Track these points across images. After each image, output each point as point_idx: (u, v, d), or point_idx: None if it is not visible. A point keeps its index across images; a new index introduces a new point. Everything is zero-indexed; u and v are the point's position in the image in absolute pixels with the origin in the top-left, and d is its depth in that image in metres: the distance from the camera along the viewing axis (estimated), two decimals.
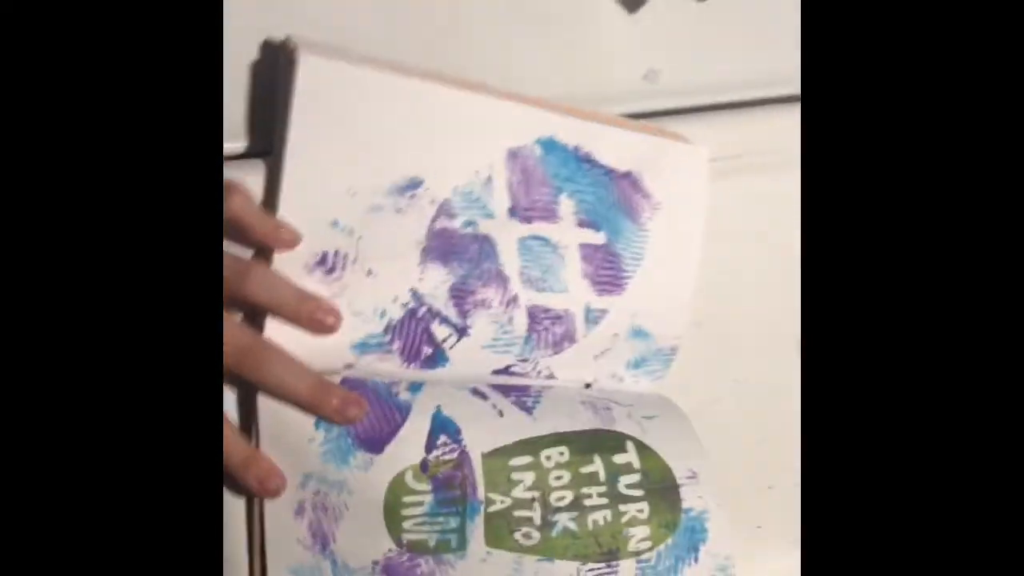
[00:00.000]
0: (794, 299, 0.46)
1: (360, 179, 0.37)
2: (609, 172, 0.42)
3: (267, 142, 0.37)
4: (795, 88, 0.48)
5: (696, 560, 0.40)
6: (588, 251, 0.41)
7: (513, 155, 0.40)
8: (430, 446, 0.37)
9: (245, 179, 0.36)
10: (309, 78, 0.36)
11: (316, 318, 0.36)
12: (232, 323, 0.35)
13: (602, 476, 0.39)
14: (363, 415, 0.36)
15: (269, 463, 0.35)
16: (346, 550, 0.36)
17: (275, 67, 0.38)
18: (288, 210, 0.36)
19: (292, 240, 0.36)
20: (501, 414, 0.39)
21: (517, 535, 0.37)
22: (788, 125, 0.46)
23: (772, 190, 0.46)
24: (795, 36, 0.43)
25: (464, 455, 0.37)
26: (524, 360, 0.41)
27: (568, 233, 0.41)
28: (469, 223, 0.39)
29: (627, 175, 0.42)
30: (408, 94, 0.37)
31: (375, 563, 0.36)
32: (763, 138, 0.47)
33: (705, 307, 0.46)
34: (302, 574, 0.35)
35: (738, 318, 0.47)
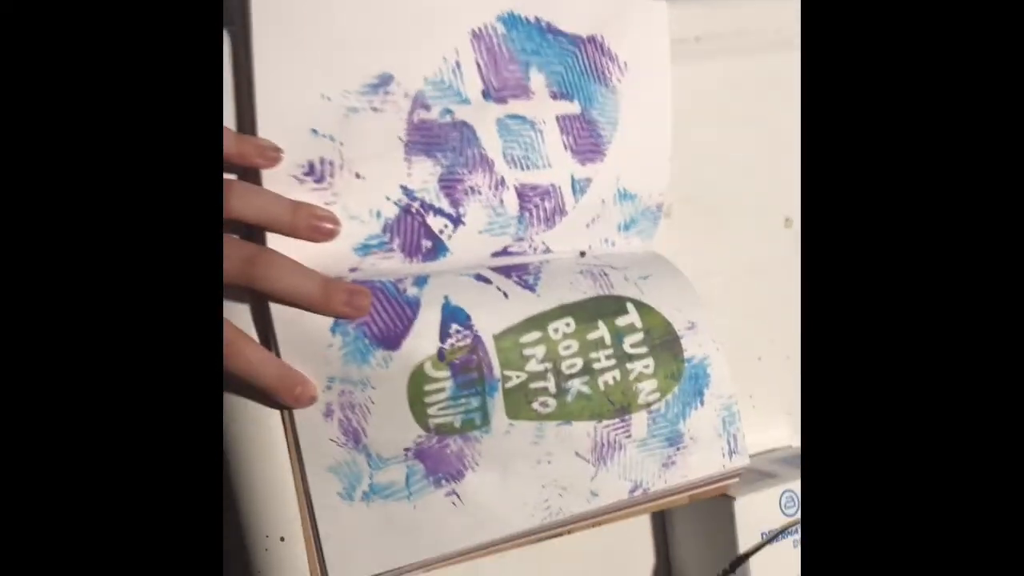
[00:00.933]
0: (783, 179, 0.49)
1: (331, 83, 0.37)
2: (574, 39, 0.42)
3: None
4: None
5: (702, 403, 0.42)
6: (565, 122, 0.42)
7: (477, 36, 0.40)
8: (444, 335, 0.38)
9: None
10: None
11: (314, 226, 0.36)
12: (232, 239, 0.35)
13: (608, 340, 0.40)
14: (369, 304, 0.37)
15: (300, 375, 0.36)
16: (378, 442, 0.37)
17: None
18: (265, 126, 0.36)
19: (274, 154, 0.36)
20: (506, 295, 0.40)
21: (535, 405, 0.39)
22: (776, 5, 0.48)
23: (761, 71, 0.48)
24: None
25: (477, 339, 0.38)
26: (520, 239, 0.41)
27: (543, 107, 0.41)
28: (446, 111, 0.39)
29: (591, 39, 0.42)
30: None
31: (407, 450, 0.37)
32: (752, 18, 0.49)
33: (696, 184, 0.47)
34: (340, 471, 0.37)
35: (728, 196, 0.49)
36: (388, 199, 0.38)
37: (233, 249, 0.35)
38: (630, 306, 0.41)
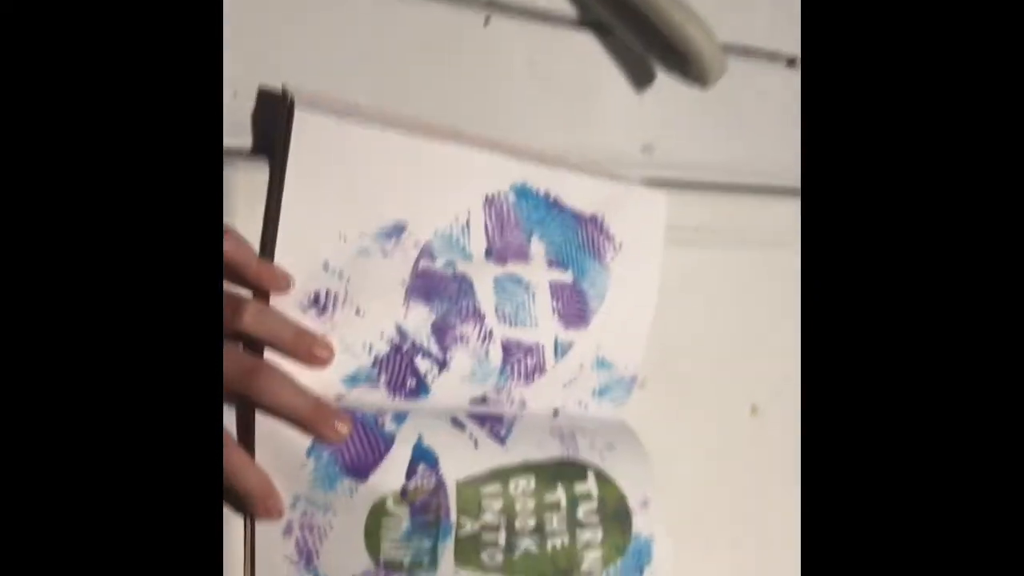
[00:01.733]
0: (754, 369, 0.53)
1: (350, 224, 0.40)
2: (576, 215, 0.46)
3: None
4: (773, 178, 0.55)
5: None
6: (557, 288, 0.45)
7: (489, 201, 0.43)
8: (410, 474, 0.40)
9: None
10: (303, 133, 0.38)
11: (312, 352, 0.39)
12: (234, 349, 0.38)
13: (563, 504, 0.42)
14: (350, 432, 0.39)
15: (276, 489, 0.38)
16: (328, 567, 0.38)
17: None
18: (284, 253, 0.39)
19: (286, 282, 0.39)
20: (476, 444, 0.42)
21: (483, 556, 0.41)
22: (764, 210, 0.54)
23: (751, 266, 0.53)
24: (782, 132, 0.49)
25: (440, 483, 0.40)
26: (499, 390, 0.44)
27: (538, 272, 0.45)
28: (449, 264, 0.42)
29: (592, 218, 0.46)
30: (394, 147, 0.41)
31: None
32: (751, 217, 0.53)
33: (674, 361, 0.51)
34: None
35: (701, 377, 0.52)
36: (382, 336, 0.41)
37: (236, 360, 0.37)
38: (590, 474, 0.44)
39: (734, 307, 0.53)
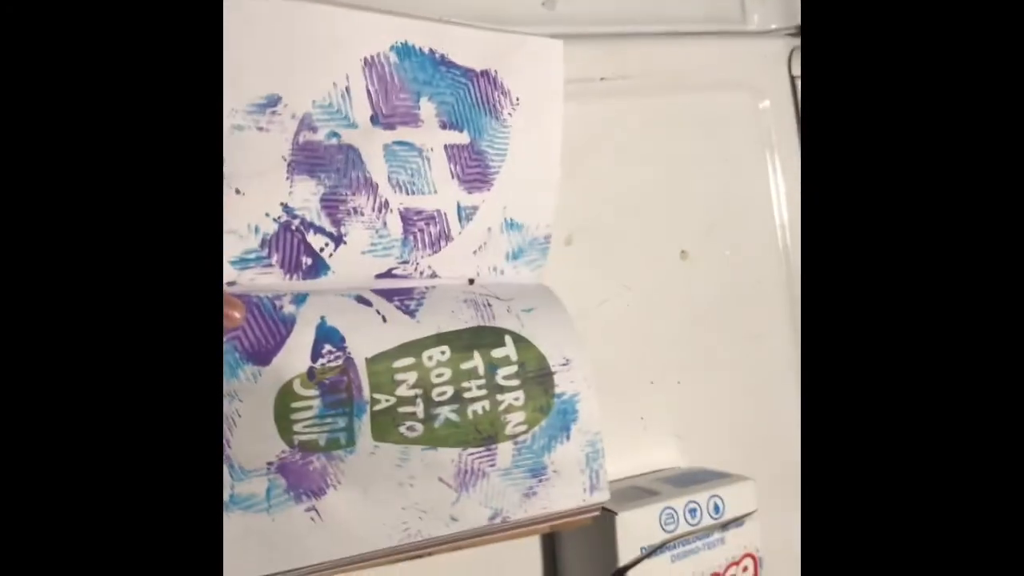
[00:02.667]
0: (681, 214, 0.52)
1: None
2: (467, 72, 0.43)
3: None
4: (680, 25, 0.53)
5: (568, 438, 0.43)
6: (453, 151, 0.43)
7: (369, 64, 0.41)
8: (316, 355, 0.39)
9: None
10: None
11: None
12: None
13: (481, 370, 0.41)
14: (242, 318, 0.37)
15: None
16: (241, 454, 0.37)
17: None
18: None
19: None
20: (384, 319, 0.41)
21: (402, 429, 0.40)
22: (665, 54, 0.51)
23: (666, 110, 0.52)
24: None
25: (349, 361, 0.39)
26: (405, 262, 0.42)
27: (432, 136, 0.42)
28: (333, 134, 0.40)
29: (484, 73, 0.44)
30: (258, 12, 0.38)
31: (269, 464, 0.38)
32: (645, 64, 0.51)
33: (598, 215, 0.50)
34: None
35: (628, 228, 0.51)
36: (267, 215, 0.39)
37: None
38: (508, 339, 0.42)
39: (652, 153, 0.52)
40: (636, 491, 0.47)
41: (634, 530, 0.44)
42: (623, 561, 0.44)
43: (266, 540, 0.38)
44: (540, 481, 0.42)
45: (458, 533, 0.41)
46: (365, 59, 0.41)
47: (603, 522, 0.44)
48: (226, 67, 0.38)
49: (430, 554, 0.41)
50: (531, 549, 0.49)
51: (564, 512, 0.43)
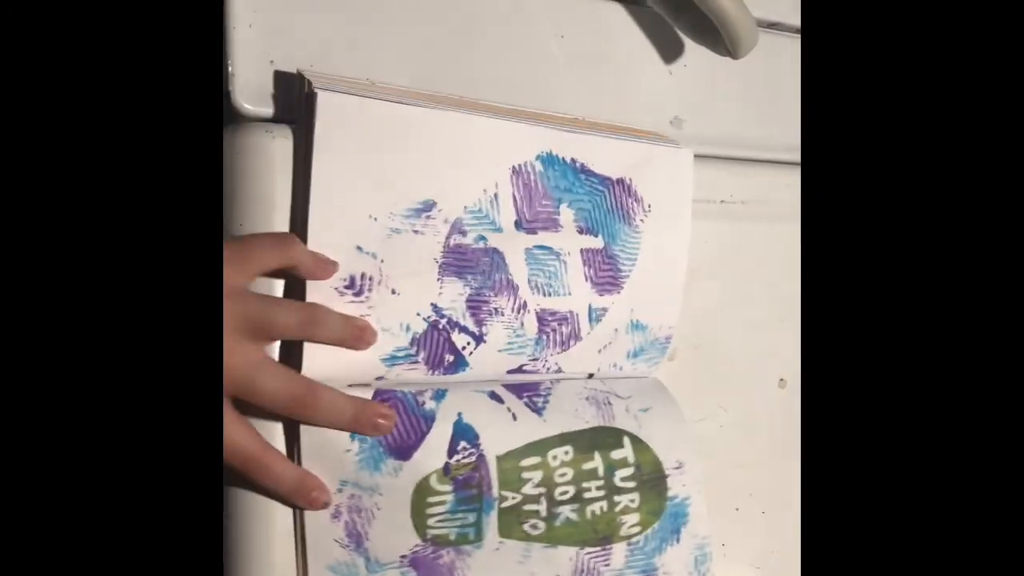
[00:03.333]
0: (783, 342, 0.53)
1: (379, 205, 0.40)
2: (604, 180, 0.45)
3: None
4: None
5: (678, 541, 0.44)
6: (588, 255, 0.45)
7: (516, 172, 0.43)
8: (452, 451, 0.41)
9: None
10: (327, 114, 0.38)
11: (363, 340, 0.40)
12: (283, 371, 0.38)
13: (601, 471, 0.43)
14: (392, 427, 0.39)
15: (318, 480, 0.38)
16: (377, 547, 0.39)
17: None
18: (316, 239, 0.39)
19: (332, 270, 0.39)
20: (515, 417, 0.42)
21: (526, 526, 0.41)
22: (795, 183, 0.53)
23: (780, 238, 0.52)
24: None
25: (481, 458, 0.41)
26: (535, 359, 0.44)
27: (569, 240, 0.44)
28: (480, 238, 0.42)
29: (620, 181, 0.46)
30: (419, 122, 0.40)
31: (403, 557, 0.39)
32: (770, 192, 0.53)
33: (702, 334, 0.51)
34: (339, 570, 0.39)
35: (731, 350, 0.52)
36: (418, 315, 0.41)
37: (284, 385, 0.38)
38: (626, 440, 0.44)
39: (762, 280, 0.53)
40: None
41: None
42: None
43: None
44: None
45: None
46: (514, 167, 0.43)
47: None
48: (388, 172, 0.40)
49: None
50: None
51: None
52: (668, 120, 0.50)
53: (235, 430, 0.37)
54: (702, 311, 0.49)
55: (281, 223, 0.39)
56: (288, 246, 0.38)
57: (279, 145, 0.39)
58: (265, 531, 0.39)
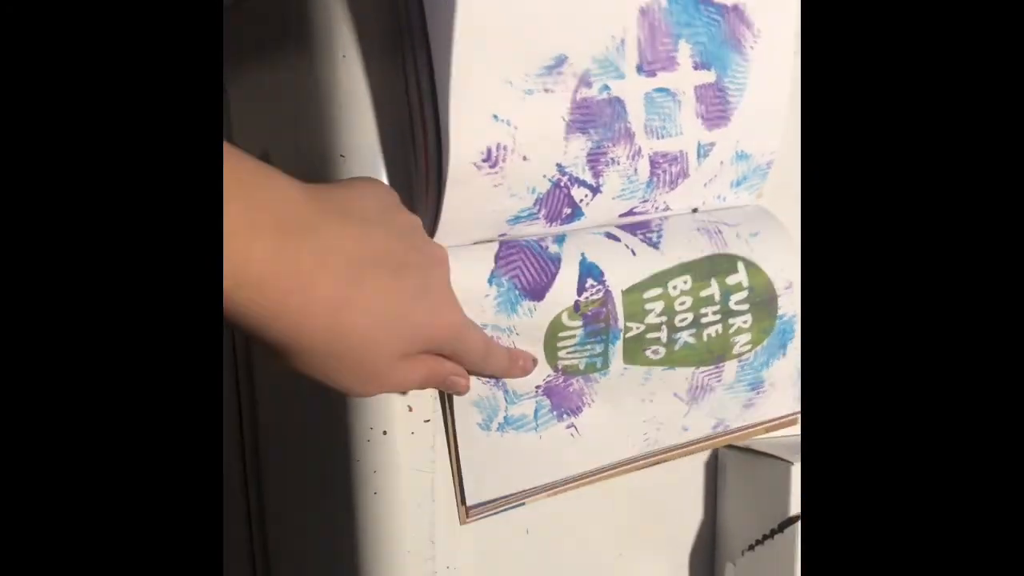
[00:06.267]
0: None
1: (514, 68, 0.37)
2: (721, 8, 0.42)
3: None
4: None
5: (784, 355, 0.48)
6: (701, 91, 0.43)
7: (644, 12, 0.40)
8: (580, 289, 0.42)
9: None
10: None
11: (525, 372, 0.42)
12: (438, 360, 0.38)
13: (717, 297, 0.45)
14: (533, 367, 0.42)
15: (523, 352, 0.42)
16: (514, 380, 0.42)
17: None
18: (456, 114, 0.36)
19: (530, 367, 0.42)
20: (634, 253, 0.43)
21: (648, 352, 0.44)
22: None
23: None
24: None
25: (608, 293, 0.43)
26: (645, 201, 0.44)
27: (685, 78, 0.43)
28: (604, 88, 0.40)
29: (735, 8, 0.43)
30: None
31: (537, 387, 0.43)
32: None
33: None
34: (481, 404, 0.42)
35: None
36: (544, 176, 0.40)
37: (436, 369, 0.38)
38: (740, 265, 0.46)
39: None
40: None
41: None
42: (794, 511, 0.47)
43: (535, 456, 0.44)
44: (758, 393, 0.48)
45: (688, 441, 0.47)
46: (641, 8, 0.40)
47: (776, 471, 0.47)
48: (515, 31, 0.37)
49: (664, 461, 0.47)
50: (694, 484, 0.51)
51: (776, 418, 0.49)
52: None
53: (470, 328, 0.39)
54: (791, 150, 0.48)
55: None
56: (486, 357, 0.40)
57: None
58: None
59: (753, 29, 0.44)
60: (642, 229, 0.44)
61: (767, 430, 0.50)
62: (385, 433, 0.41)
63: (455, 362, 0.39)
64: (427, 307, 0.36)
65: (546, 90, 0.38)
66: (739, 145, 0.46)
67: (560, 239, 0.42)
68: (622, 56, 0.40)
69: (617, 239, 0.44)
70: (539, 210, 0.41)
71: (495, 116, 0.38)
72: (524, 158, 0.39)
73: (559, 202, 0.42)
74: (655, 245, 0.44)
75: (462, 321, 0.39)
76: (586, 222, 0.43)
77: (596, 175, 0.42)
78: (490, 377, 0.41)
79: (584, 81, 0.39)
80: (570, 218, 0.42)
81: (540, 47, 0.38)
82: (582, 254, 0.42)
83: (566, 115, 0.40)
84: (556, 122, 0.39)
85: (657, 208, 0.45)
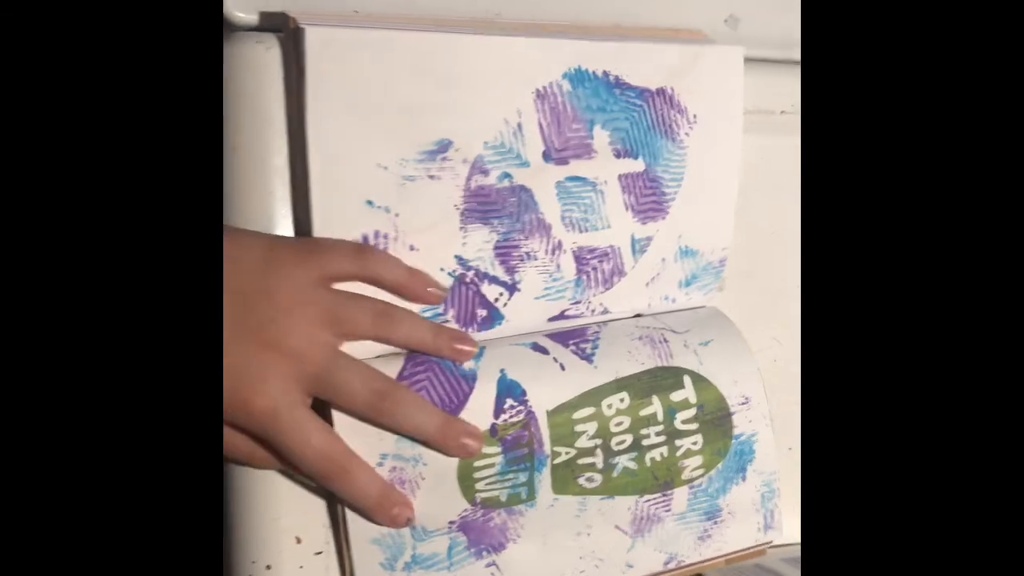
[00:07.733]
0: None
1: (388, 151, 0.35)
2: (642, 93, 0.39)
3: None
4: None
5: (744, 479, 0.41)
6: (628, 181, 0.40)
7: (541, 96, 0.37)
8: (498, 411, 0.37)
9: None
10: (317, 53, 0.33)
11: (456, 348, 0.37)
12: (364, 367, 0.35)
13: (660, 416, 0.39)
14: (482, 441, 0.36)
15: (401, 496, 0.36)
16: (424, 516, 0.37)
17: None
18: (320, 196, 0.34)
19: (441, 294, 0.37)
20: (563, 367, 0.39)
21: (581, 480, 0.39)
22: None
23: None
24: None
25: (531, 415, 0.38)
26: (577, 302, 0.40)
27: (606, 167, 0.39)
28: (504, 176, 0.37)
29: (661, 92, 0.40)
30: (422, 49, 0.35)
31: (451, 523, 0.37)
32: None
33: (758, 259, 0.45)
34: (383, 543, 0.37)
35: (788, 278, 0.46)
36: (442, 270, 0.37)
37: (368, 381, 0.35)
38: (687, 379, 0.40)
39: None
40: (757, 571, 0.43)
41: None
42: None
43: None
44: (715, 523, 0.41)
45: None
46: (538, 91, 0.37)
47: None
48: (393, 113, 0.35)
49: None
50: None
51: (738, 551, 0.41)
52: (723, 19, 0.43)
53: (318, 434, 0.34)
54: (756, 235, 0.44)
55: (277, 137, 0.35)
56: (362, 256, 0.35)
57: (272, 56, 0.35)
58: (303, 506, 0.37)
59: (686, 115, 0.40)
60: (575, 339, 0.40)
61: (729, 560, 0.42)
62: (269, 568, 0.36)
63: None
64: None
65: (430, 176, 0.36)
66: (682, 240, 0.41)
67: (478, 353, 0.38)
68: (521, 141, 0.37)
69: (545, 351, 0.39)
70: (446, 311, 0.37)
71: (369, 202, 0.35)
72: (412, 247, 0.36)
73: (469, 302, 0.38)
74: (588, 358, 0.39)
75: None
76: (509, 327, 0.39)
77: (509, 271, 0.38)
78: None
79: (478, 168, 0.37)
80: (488, 322, 0.38)
81: (417, 130, 0.35)
82: (501, 370, 0.38)
83: (459, 203, 0.37)
84: (447, 210, 0.36)
85: (593, 311, 0.41)
